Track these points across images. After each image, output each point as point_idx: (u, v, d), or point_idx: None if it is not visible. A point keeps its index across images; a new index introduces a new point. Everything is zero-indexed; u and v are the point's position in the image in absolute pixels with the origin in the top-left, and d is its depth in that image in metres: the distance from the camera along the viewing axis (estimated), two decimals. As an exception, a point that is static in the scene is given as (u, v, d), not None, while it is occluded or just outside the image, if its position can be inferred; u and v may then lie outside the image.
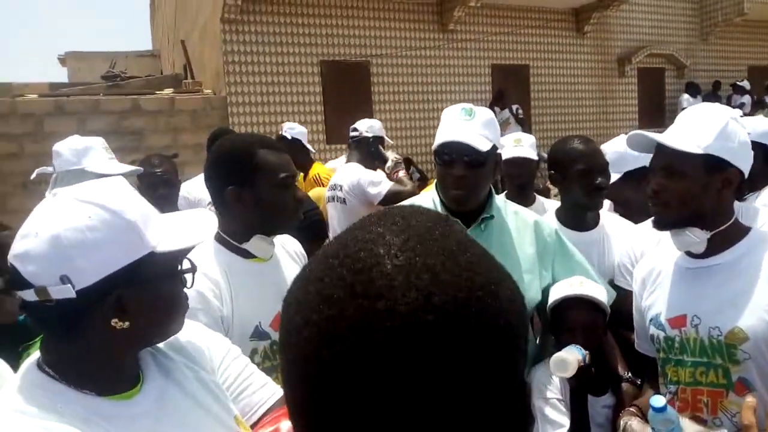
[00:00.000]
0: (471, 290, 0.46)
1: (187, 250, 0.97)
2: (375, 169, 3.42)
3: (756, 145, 2.13)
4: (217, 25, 8.19)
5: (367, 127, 3.53)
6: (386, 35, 9.17)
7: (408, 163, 9.04)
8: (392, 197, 3.10)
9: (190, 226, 0.99)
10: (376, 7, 9.08)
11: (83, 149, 2.23)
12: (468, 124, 1.63)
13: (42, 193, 1.73)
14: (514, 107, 9.63)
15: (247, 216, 1.51)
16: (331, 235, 3.52)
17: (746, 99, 11.54)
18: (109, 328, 0.87)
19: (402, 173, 3.39)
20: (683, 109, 10.75)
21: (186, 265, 0.98)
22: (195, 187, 3.22)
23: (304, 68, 8.64)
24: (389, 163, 3.41)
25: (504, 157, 2.71)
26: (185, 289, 0.99)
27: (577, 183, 2.07)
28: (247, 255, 1.54)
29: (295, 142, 4.03)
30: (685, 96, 11.40)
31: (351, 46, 8.96)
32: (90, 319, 0.86)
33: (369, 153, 3.46)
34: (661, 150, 1.43)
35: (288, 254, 1.68)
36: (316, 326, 0.46)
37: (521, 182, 2.80)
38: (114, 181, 0.94)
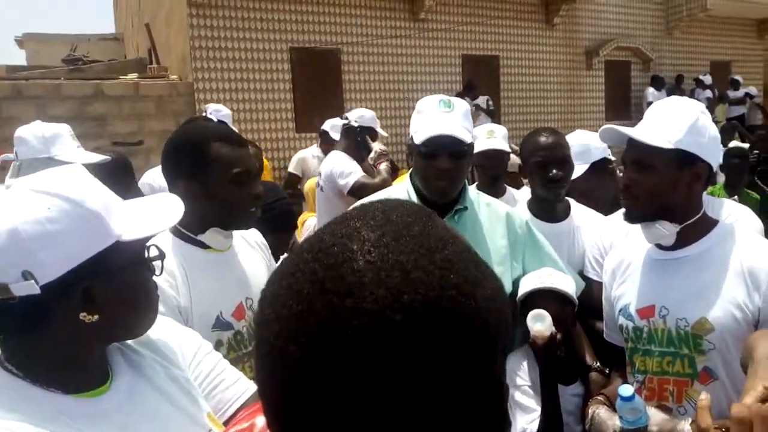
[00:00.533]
0: (443, 289, 0.45)
1: (153, 237, 0.94)
2: (362, 159, 3.42)
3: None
4: (184, 9, 7.99)
5: (357, 116, 3.52)
6: (357, 23, 9.10)
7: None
8: (358, 189, 3.13)
9: (156, 211, 0.95)
10: (347, -7, 8.99)
11: (51, 136, 2.14)
12: (449, 116, 1.62)
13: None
14: (484, 98, 9.69)
15: (200, 209, 1.47)
16: (318, 219, 3.54)
17: (708, 93, 11.86)
18: (77, 323, 0.84)
19: (384, 165, 3.39)
20: (649, 102, 10.93)
21: (153, 252, 0.95)
22: (160, 175, 3.15)
23: (273, 55, 8.51)
24: (372, 154, 3.39)
25: (477, 148, 2.73)
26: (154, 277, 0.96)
27: (536, 174, 2.10)
28: (204, 245, 1.52)
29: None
30: (650, 90, 11.64)
31: (321, 33, 8.86)
32: (56, 315, 0.83)
33: (356, 142, 3.45)
34: (632, 144, 1.45)
35: (248, 243, 1.66)
36: (285, 321, 0.45)
37: (494, 174, 2.81)
38: (72, 169, 0.90)
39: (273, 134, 8.53)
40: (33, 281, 0.78)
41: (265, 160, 4.34)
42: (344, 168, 3.29)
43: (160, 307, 1.29)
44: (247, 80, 8.35)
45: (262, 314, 0.48)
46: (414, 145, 1.65)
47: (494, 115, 9.85)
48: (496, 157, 2.76)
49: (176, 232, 1.51)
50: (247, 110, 8.38)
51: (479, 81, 9.85)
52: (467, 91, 9.61)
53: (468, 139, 1.61)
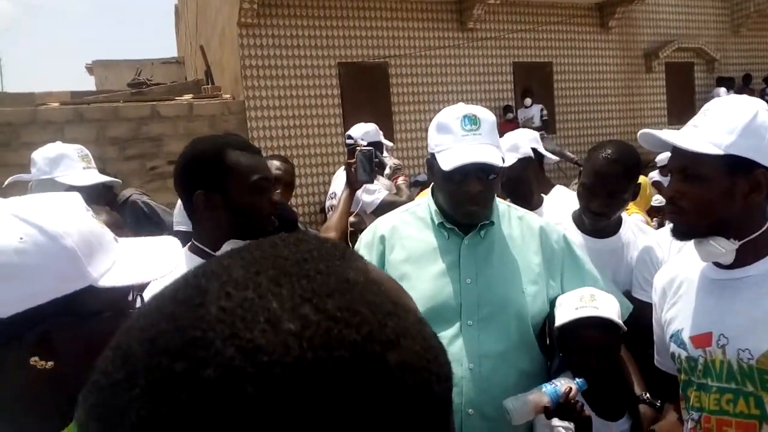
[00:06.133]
0: (329, 347, 0.32)
1: (144, 285, 0.87)
2: (375, 176, 3.24)
3: None
4: (235, 30, 8.18)
5: (362, 133, 3.30)
6: (404, 35, 9.06)
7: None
8: (386, 207, 2.93)
9: (151, 257, 0.87)
10: (394, 7, 8.97)
11: (55, 158, 2.12)
12: (477, 138, 1.49)
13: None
14: (538, 107, 9.44)
15: (218, 221, 1.42)
16: None
17: (780, 92, 11.11)
18: (27, 368, 0.74)
19: (401, 179, 3.23)
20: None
21: (139, 302, 0.86)
22: None
23: (321, 71, 8.58)
24: (387, 171, 3.20)
25: None
26: None
27: (582, 196, 1.91)
28: None
29: None
30: (722, 89, 10.86)
31: (369, 47, 8.87)
32: (6, 356, 0.74)
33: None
34: (677, 150, 1.28)
35: None
36: (100, 394, 0.34)
37: (509, 189, 2.62)
38: (66, 197, 0.83)
39: (322, 149, 8.56)
40: None
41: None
42: (368, 185, 3.04)
43: None
44: (296, 96, 8.44)
45: (86, 387, 0.36)
46: (437, 165, 1.51)
47: (548, 127, 9.56)
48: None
49: (194, 249, 1.46)
50: (296, 126, 8.46)
51: (532, 89, 9.59)
52: (527, 94, 9.37)
53: (498, 162, 1.47)
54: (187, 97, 8.55)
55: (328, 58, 8.61)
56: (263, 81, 8.27)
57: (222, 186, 1.40)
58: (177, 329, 0.33)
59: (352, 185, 2.59)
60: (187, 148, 1.48)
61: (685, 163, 1.24)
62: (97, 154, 8.53)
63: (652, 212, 4.88)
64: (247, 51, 8.18)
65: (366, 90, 8.68)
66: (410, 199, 3.09)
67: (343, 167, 3.27)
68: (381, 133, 3.40)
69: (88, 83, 19.47)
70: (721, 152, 1.19)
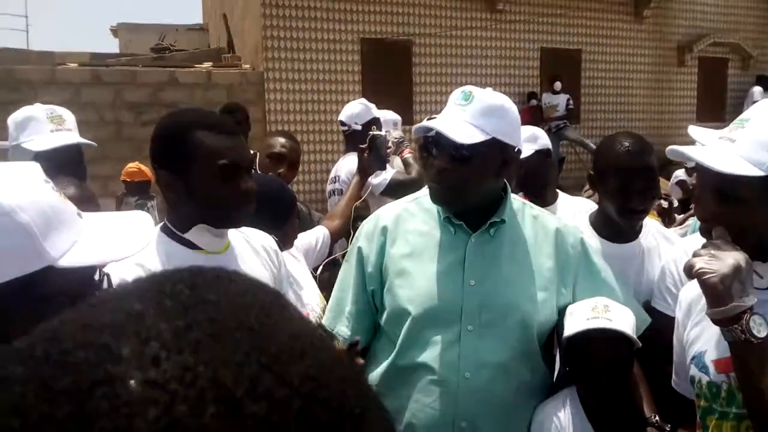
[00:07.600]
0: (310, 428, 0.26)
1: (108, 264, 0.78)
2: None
3: None
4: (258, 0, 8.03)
5: (353, 118, 3.06)
6: (431, 14, 8.82)
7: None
8: (395, 187, 2.71)
9: (118, 234, 0.79)
10: (422, -17, 8.74)
11: (22, 121, 1.96)
12: (459, 111, 1.37)
13: None
14: (565, 97, 9.21)
15: (182, 206, 1.32)
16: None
17: (818, 95, 10.66)
18: None
19: (408, 152, 3.02)
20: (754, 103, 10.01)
21: (112, 281, 0.80)
22: None
23: (344, 45, 8.40)
24: (391, 147, 2.98)
25: None
26: None
27: (612, 197, 1.74)
28: (193, 245, 1.34)
29: None
30: (758, 89, 10.39)
31: (393, 24, 8.66)
32: None
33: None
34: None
35: (251, 247, 1.46)
36: None
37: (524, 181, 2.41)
38: (24, 167, 0.76)
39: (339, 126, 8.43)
40: None
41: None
42: None
43: None
44: (316, 71, 8.29)
45: None
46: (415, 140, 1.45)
47: (572, 116, 9.32)
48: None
49: (166, 229, 1.36)
50: (314, 101, 8.32)
51: (563, 77, 9.33)
52: (552, 83, 9.13)
53: (468, 140, 1.33)
54: (207, 65, 8.44)
55: (351, 32, 8.43)
56: (284, 53, 8.12)
57: (184, 170, 1.28)
58: (82, 419, 0.23)
59: (365, 171, 2.44)
60: (159, 121, 1.35)
61: (720, 184, 1.09)
62: (113, 118, 8.40)
63: (656, 214, 4.66)
64: (269, 21, 8.02)
65: (388, 68, 8.50)
66: (420, 174, 2.91)
67: (346, 154, 3.10)
68: (372, 107, 3.15)
69: (113, 46, 19.43)
70: (762, 173, 1.04)
